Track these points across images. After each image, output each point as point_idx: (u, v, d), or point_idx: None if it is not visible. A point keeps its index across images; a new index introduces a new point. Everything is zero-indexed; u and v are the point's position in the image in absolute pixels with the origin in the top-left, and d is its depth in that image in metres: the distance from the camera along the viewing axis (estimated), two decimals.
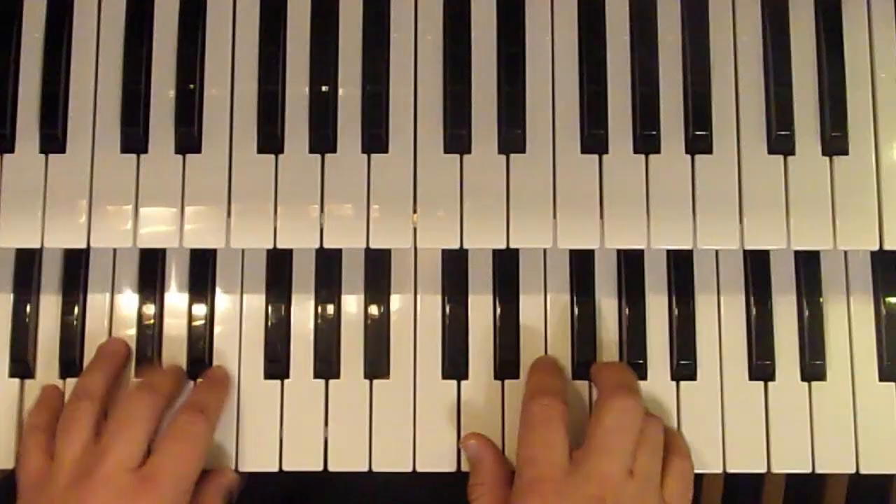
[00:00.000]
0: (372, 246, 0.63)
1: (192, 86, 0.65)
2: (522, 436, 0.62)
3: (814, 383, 0.66)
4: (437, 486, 0.63)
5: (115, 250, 0.68)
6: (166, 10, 0.66)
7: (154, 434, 0.62)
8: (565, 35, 0.66)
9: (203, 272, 0.68)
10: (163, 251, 0.68)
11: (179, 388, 0.66)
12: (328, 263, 0.67)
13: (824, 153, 0.64)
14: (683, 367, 0.66)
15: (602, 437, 0.60)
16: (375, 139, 0.64)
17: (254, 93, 0.65)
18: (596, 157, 0.64)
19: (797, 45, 0.65)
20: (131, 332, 0.67)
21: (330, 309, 0.67)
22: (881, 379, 0.66)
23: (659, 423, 0.63)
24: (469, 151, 0.64)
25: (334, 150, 0.64)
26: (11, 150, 0.64)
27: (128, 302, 0.68)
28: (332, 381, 0.66)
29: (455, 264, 0.68)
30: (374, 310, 0.67)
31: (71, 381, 0.66)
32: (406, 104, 0.65)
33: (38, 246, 0.63)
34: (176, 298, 0.68)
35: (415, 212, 0.64)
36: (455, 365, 0.66)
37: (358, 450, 0.65)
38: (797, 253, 0.67)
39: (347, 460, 0.65)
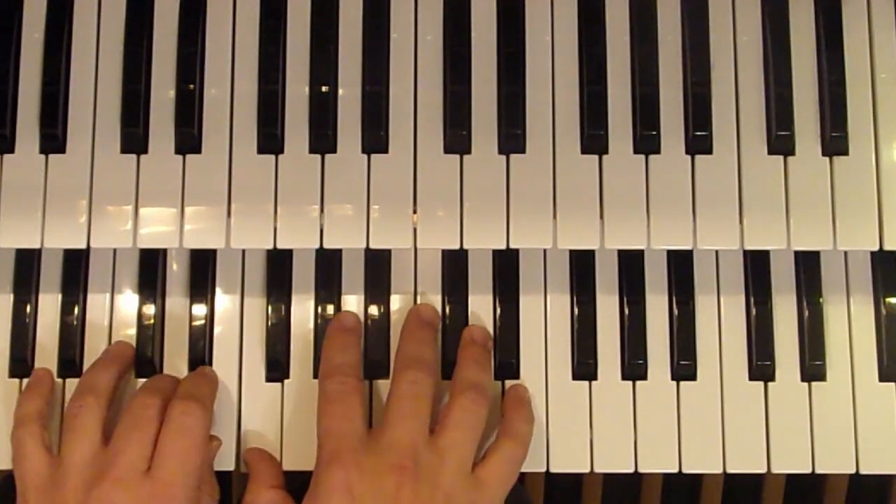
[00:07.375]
0: (372, 246, 0.63)
1: (192, 86, 0.65)
2: (319, 411, 0.62)
3: (814, 384, 0.66)
4: None
5: (115, 250, 0.68)
6: (166, 11, 0.66)
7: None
8: (565, 35, 0.66)
9: (203, 272, 0.67)
10: (163, 251, 0.68)
11: None
12: (328, 263, 0.67)
13: (824, 153, 0.64)
14: (683, 367, 0.66)
15: (396, 407, 0.61)
16: (375, 139, 0.64)
17: (254, 93, 0.65)
18: (596, 157, 0.64)
19: (797, 45, 0.65)
20: (131, 332, 0.67)
21: (330, 309, 0.67)
22: (881, 379, 0.66)
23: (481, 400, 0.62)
24: (469, 151, 0.64)
25: (334, 151, 0.64)
26: (11, 150, 0.64)
27: (128, 302, 0.67)
28: None
29: (455, 264, 0.68)
30: (374, 310, 0.67)
31: (70, 381, 0.66)
32: (406, 104, 0.65)
33: (38, 246, 0.63)
34: (176, 298, 0.68)
35: (415, 212, 0.64)
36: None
37: None
38: (797, 253, 0.67)
39: None
